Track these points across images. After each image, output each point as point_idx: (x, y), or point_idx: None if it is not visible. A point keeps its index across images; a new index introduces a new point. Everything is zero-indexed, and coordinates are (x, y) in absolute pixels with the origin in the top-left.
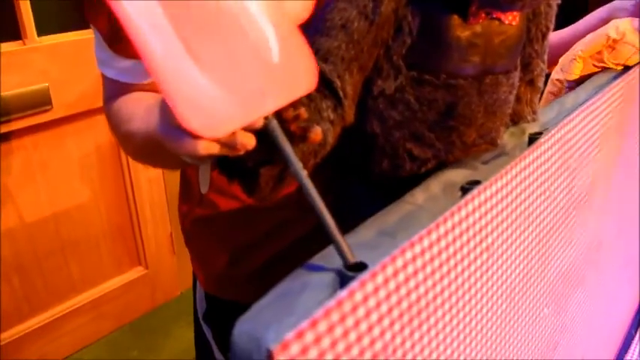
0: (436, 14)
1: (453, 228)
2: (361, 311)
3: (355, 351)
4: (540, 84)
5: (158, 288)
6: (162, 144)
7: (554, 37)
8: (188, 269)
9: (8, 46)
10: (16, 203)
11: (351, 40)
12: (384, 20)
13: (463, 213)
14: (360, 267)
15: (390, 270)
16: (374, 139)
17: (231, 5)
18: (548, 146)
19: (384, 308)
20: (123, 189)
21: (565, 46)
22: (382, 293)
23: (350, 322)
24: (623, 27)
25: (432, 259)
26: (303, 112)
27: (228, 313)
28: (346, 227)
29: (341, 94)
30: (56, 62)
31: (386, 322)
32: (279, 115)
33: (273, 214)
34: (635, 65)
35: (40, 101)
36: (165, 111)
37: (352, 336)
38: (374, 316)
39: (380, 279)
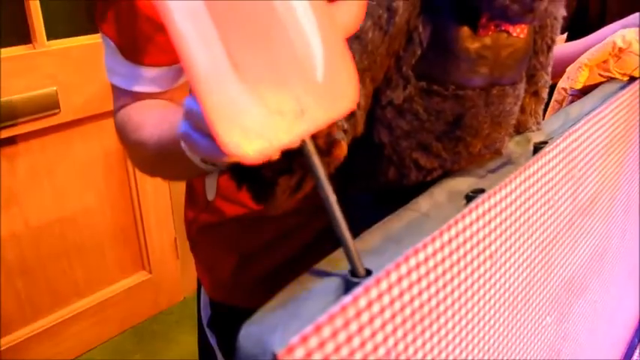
0: (447, 26)
1: (457, 236)
2: (365, 317)
3: (359, 356)
4: (544, 95)
5: (162, 293)
6: (181, 148)
7: (567, 48)
8: (192, 274)
9: (18, 50)
10: (22, 206)
11: (365, 50)
12: (398, 31)
13: (467, 221)
14: (365, 273)
15: (394, 276)
16: (381, 148)
17: (281, 14)
18: (553, 155)
19: (387, 314)
20: (128, 194)
21: (576, 58)
22: (386, 299)
23: (354, 327)
24: (629, 36)
25: (435, 267)
26: (334, 129)
27: (233, 319)
28: (351, 234)
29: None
30: (65, 66)
31: (389, 328)
32: None
33: (278, 221)
34: None
35: (48, 105)
36: (193, 113)
37: (356, 341)
38: (377, 322)
39: (384, 285)
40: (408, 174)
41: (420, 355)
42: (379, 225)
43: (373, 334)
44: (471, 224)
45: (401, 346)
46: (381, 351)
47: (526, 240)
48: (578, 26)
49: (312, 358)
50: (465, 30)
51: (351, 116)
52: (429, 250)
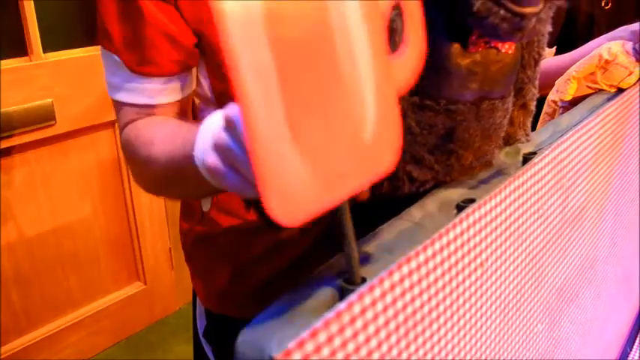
0: (438, 43)
1: (448, 244)
2: (359, 323)
3: None
4: (532, 107)
5: (156, 303)
6: (194, 168)
7: (556, 62)
8: (186, 285)
9: (14, 62)
10: (17, 217)
11: None
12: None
13: (458, 230)
14: (360, 281)
15: (387, 284)
16: None
17: (344, 75)
18: (542, 166)
19: (381, 320)
20: (123, 204)
21: (564, 71)
22: (379, 306)
23: (348, 333)
24: (615, 49)
25: (427, 274)
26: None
27: (229, 329)
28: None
29: None
30: (61, 78)
31: (383, 334)
32: None
33: (273, 231)
34: (628, 88)
35: (44, 116)
36: (225, 149)
37: (350, 346)
38: (371, 328)
39: (377, 292)
40: (401, 186)
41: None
42: (373, 234)
43: (367, 340)
44: (462, 233)
45: (395, 352)
46: (375, 356)
47: (516, 248)
48: (567, 40)
49: None
50: (456, 47)
51: None
52: (421, 258)
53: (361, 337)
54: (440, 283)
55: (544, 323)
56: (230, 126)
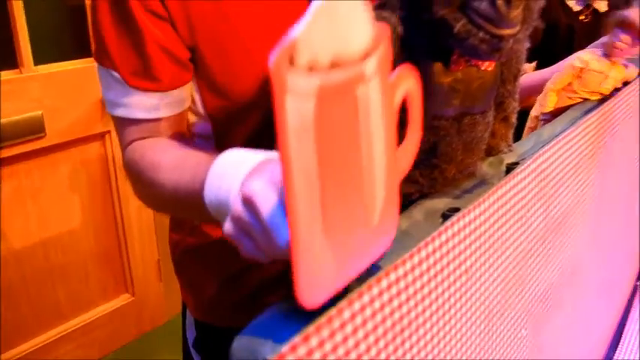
0: (422, 62)
1: (434, 252)
2: (349, 328)
3: None
4: (513, 120)
5: (145, 315)
6: (199, 200)
7: (536, 76)
8: (175, 297)
9: (5, 75)
10: (5, 229)
11: None
12: None
13: (443, 238)
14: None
15: (375, 290)
16: None
17: (364, 167)
18: (525, 175)
19: (369, 325)
20: (112, 216)
21: (545, 85)
22: (368, 312)
23: (339, 337)
24: (586, 57)
25: (414, 281)
26: None
27: (219, 340)
28: None
29: None
30: (51, 90)
31: (371, 338)
32: None
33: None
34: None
35: (34, 128)
36: (243, 221)
37: (341, 350)
38: (360, 333)
39: (366, 298)
40: None
41: None
42: None
43: (357, 344)
44: (447, 241)
45: (383, 355)
46: (365, 358)
47: (500, 255)
48: (548, 54)
49: None
50: (439, 66)
51: None
52: (408, 265)
53: (351, 342)
54: (426, 290)
55: (528, 328)
56: (250, 205)
